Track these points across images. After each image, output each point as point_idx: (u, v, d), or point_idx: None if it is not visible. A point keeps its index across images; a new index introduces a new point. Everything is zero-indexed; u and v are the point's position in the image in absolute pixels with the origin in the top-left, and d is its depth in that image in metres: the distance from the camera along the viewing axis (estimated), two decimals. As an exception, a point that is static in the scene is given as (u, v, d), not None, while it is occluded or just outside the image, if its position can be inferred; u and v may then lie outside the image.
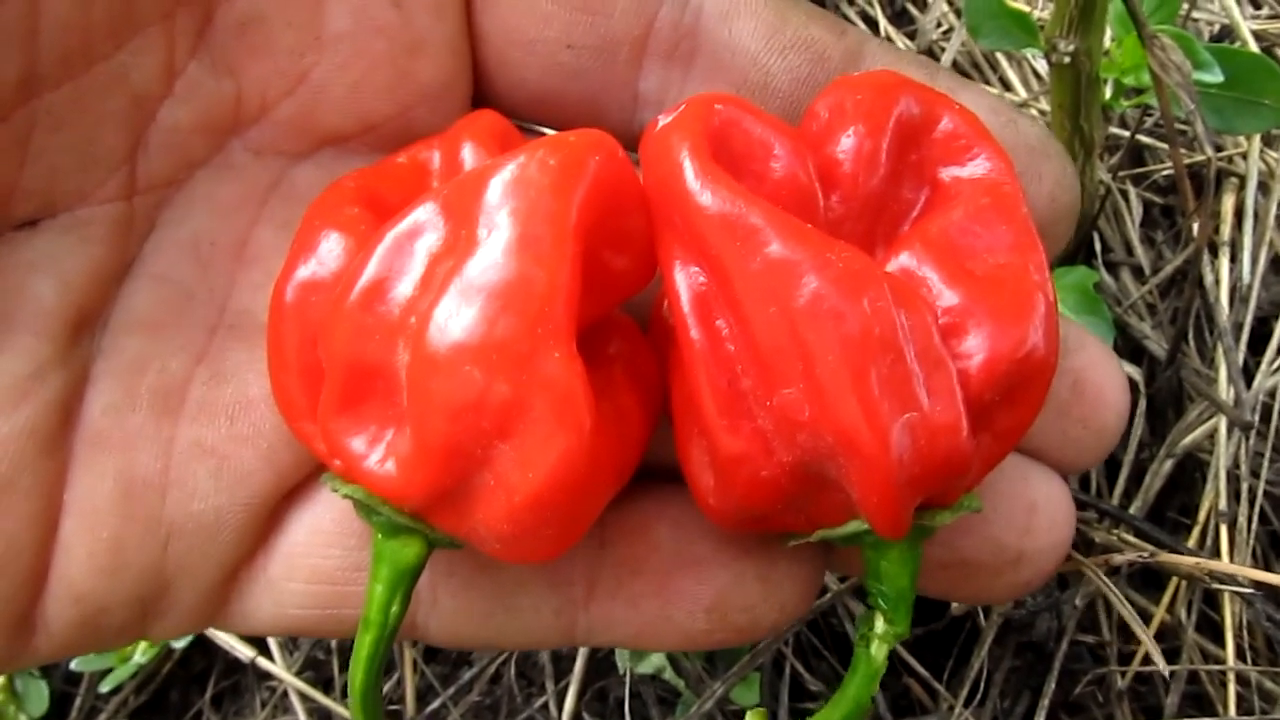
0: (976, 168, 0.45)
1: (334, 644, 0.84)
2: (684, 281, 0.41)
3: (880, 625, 0.46)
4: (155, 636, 0.48)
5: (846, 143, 0.44)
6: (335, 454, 0.41)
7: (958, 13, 0.95)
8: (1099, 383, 0.52)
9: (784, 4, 0.50)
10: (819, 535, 0.45)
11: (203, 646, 0.86)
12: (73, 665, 0.83)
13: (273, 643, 0.84)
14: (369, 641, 0.43)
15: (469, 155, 0.44)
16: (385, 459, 0.40)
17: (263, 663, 0.83)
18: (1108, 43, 0.68)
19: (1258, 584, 0.67)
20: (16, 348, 0.44)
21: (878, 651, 0.45)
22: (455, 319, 0.36)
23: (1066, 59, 0.61)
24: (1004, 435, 0.44)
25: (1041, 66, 0.92)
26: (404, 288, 0.39)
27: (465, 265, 0.37)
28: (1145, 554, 0.66)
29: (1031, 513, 0.51)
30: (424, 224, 0.39)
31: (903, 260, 0.44)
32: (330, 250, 0.42)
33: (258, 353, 0.47)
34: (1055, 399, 0.50)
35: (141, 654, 0.82)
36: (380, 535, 0.43)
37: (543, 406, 0.37)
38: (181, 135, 0.48)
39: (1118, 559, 0.67)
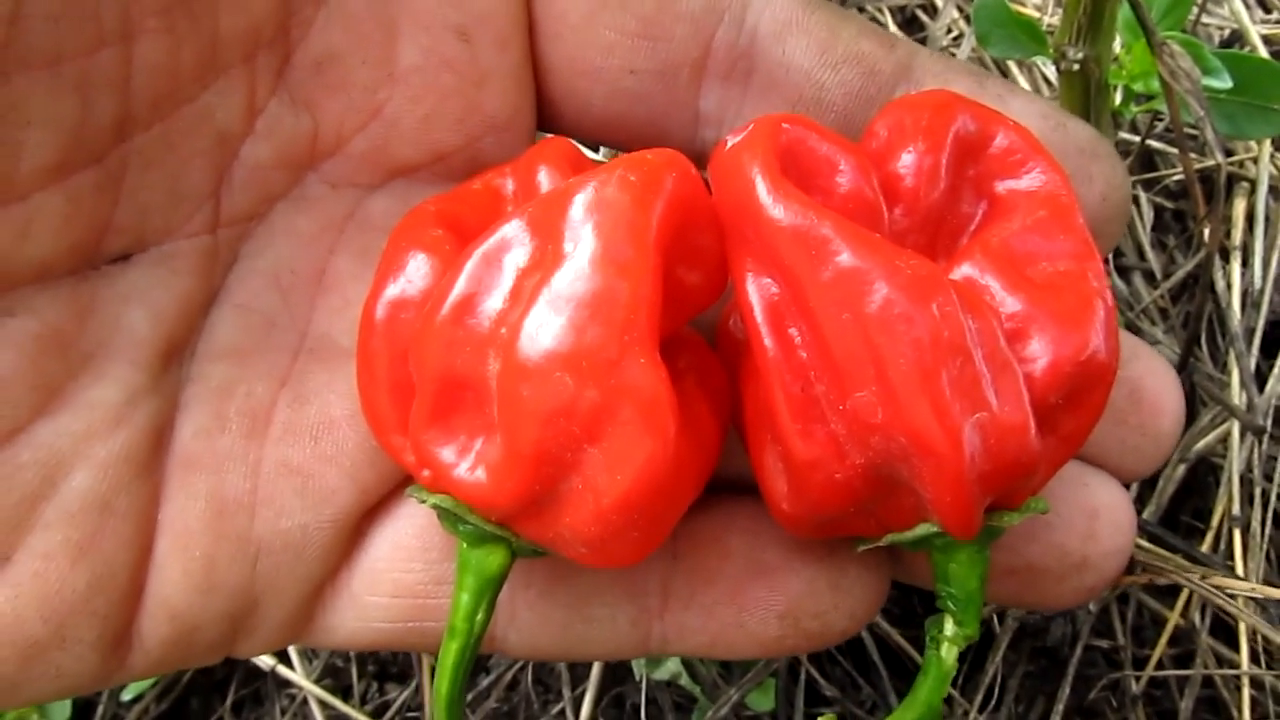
0: (1032, 180, 0.46)
1: (353, 652, 0.84)
2: (757, 292, 0.43)
3: (950, 628, 0.46)
4: (243, 653, 0.50)
5: (907, 159, 0.45)
6: (425, 464, 0.42)
7: (967, 19, 0.96)
8: (1156, 390, 0.53)
9: (835, 20, 0.52)
10: (889, 539, 0.46)
11: (223, 654, 0.88)
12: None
13: (292, 651, 0.85)
14: (455, 650, 0.44)
15: (544, 179, 0.46)
16: (475, 466, 0.41)
17: (282, 670, 0.84)
18: (1117, 49, 0.69)
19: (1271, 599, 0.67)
20: (112, 376, 0.46)
21: (948, 654, 0.46)
22: (545, 328, 0.38)
23: (1075, 66, 0.61)
24: (1068, 438, 0.45)
25: (1051, 72, 0.93)
26: (493, 301, 0.41)
27: (553, 278, 0.39)
28: (1155, 574, 0.67)
29: (1094, 518, 0.52)
30: (511, 240, 0.41)
31: (965, 270, 0.45)
32: (417, 269, 0.44)
33: (338, 375, 0.49)
34: (1113, 407, 0.51)
35: (163, 663, 0.83)
36: (465, 544, 0.44)
37: (630, 411, 0.38)
38: (262, 171, 0.50)
39: (1127, 580, 0.68)
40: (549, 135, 0.53)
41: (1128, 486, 0.54)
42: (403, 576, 0.49)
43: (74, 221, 0.44)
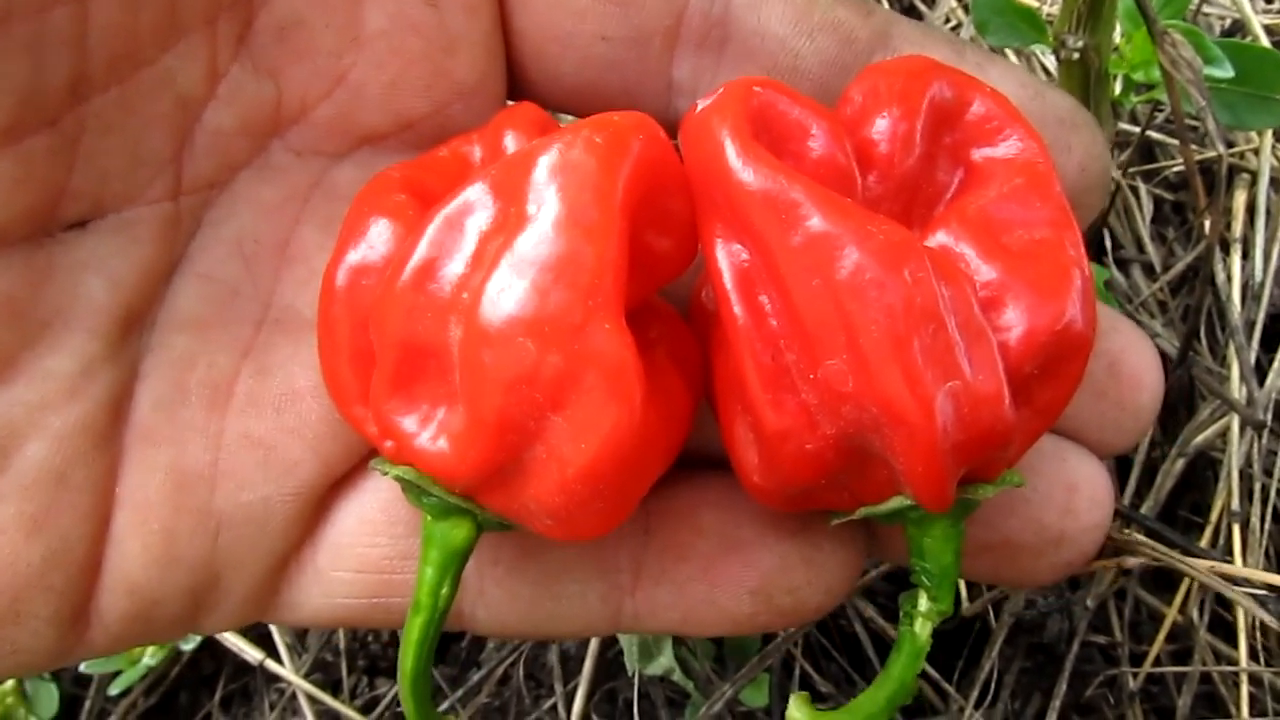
0: (1009, 148, 0.46)
1: (342, 646, 0.84)
2: (726, 259, 0.42)
3: (924, 603, 0.46)
4: (206, 629, 0.49)
5: (882, 124, 0.45)
6: (387, 434, 0.42)
7: (966, 8, 0.95)
8: (1134, 364, 0.52)
9: None
10: (862, 512, 0.45)
11: (211, 649, 0.87)
12: (82, 668, 0.83)
13: (281, 645, 0.84)
14: (419, 625, 0.44)
15: (511, 144, 0.45)
16: (437, 436, 0.40)
17: (271, 665, 0.83)
18: (1117, 38, 0.68)
19: (1270, 586, 0.67)
20: (69, 346, 0.45)
21: (921, 629, 0.46)
22: (507, 293, 0.37)
23: (1075, 55, 0.61)
24: (1044, 409, 0.44)
25: (1051, 62, 0.92)
26: (455, 266, 0.40)
27: (516, 241, 0.38)
28: (1155, 558, 0.66)
29: (1072, 493, 0.51)
30: (473, 203, 0.40)
31: (940, 238, 0.44)
32: (379, 235, 0.43)
33: (302, 347, 0.48)
34: (1092, 381, 0.51)
35: (150, 656, 0.82)
36: (430, 517, 0.43)
37: (595, 377, 0.37)
38: (225, 137, 0.49)
39: (1130, 561, 0.67)
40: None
41: (1106, 461, 0.53)
42: (368, 551, 0.48)
43: (27, 186, 0.43)
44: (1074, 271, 0.43)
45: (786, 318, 0.41)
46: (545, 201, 0.38)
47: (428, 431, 0.41)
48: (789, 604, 0.49)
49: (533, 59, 0.52)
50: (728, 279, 0.42)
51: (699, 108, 0.42)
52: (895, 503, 0.44)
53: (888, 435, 0.40)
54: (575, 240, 0.37)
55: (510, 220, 0.39)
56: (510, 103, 0.53)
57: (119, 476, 0.46)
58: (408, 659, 0.44)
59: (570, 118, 0.53)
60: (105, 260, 0.46)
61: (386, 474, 0.43)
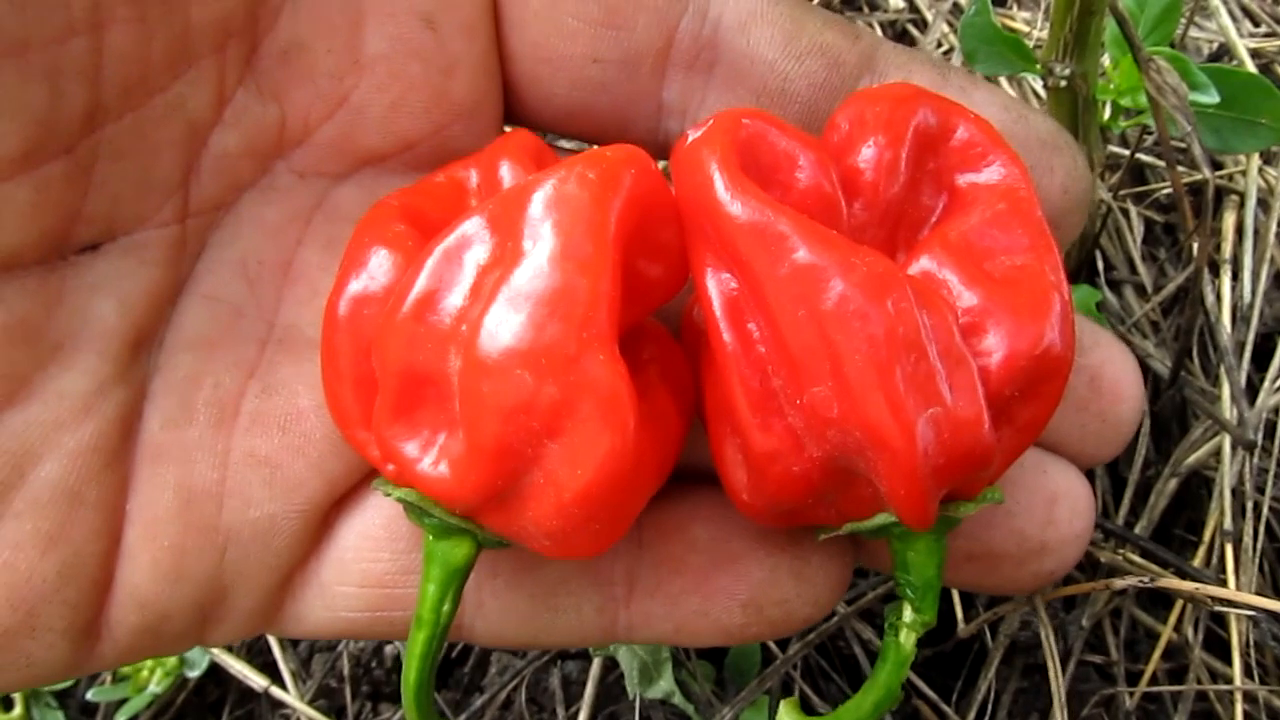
0: (992, 174, 0.47)
1: (346, 672, 0.85)
2: (716, 287, 0.44)
3: (908, 614, 0.47)
4: (213, 641, 0.50)
5: (867, 153, 0.46)
6: (389, 459, 0.43)
7: (957, 33, 0.96)
8: (1115, 378, 0.53)
9: (799, 11, 0.52)
10: (848, 528, 0.47)
11: (217, 675, 0.88)
12: (89, 695, 0.84)
13: (285, 671, 0.85)
14: (422, 639, 0.45)
15: (507, 173, 0.46)
16: (438, 461, 0.42)
17: (276, 691, 0.84)
18: (1106, 62, 0.69)
19: (1263, 609, 0.68)
20: (81, 366, 0.46)
21: (906, 640, 0.47)
22: (505, 326, 0.39)
23: (1063, 82, 0.62)
24: (1024, 429, 0.45)
25: (1041, 85, 0.93)
26: (454, 298, 0.41)
27: (512, 275, 0.39)
28: (1147, 578, 0.67)
29: (1052, 504, 0.52)
30: (471, 237, 0.42)
31: (923, 263, 0.46)
32: (380, 265, 0.44)
33: (306, 365, 0.50)
34: (1073, 394, 0.52)
35: (157, 683, 0.83)
36: (431, 537, 0.45)
37: (589, 407, 0.39)
38: (230, 160, 0.50)
39: (1119, 583, 0.68)
40: (513, 127, 0.53)
41: (1088, 473, 0.55)
42: (371, 566, 0.50)
43: (42, 211, 0.44)
44: (1053, 296, 0.44)
45: (774, 345, 0.42)
46: (540, 236, 0.39)
47: (429, 456, 0.42)
48: (779, 615, 0.51)
49: (526, 80, 0.53)
50: (717, 307, 0.43)
51: (689, 139, 0.44)
52: (880, 519, 0.45)
53: (871, 459, 0.41)
54: (569, 274, 0.39)
55: (507, 254, 0.40)
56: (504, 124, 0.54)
57: (129, 494, 0.47)
58: (411, 672, 0.45)
59: (568, 146, 0.54)
60: (116, 282, 0.47)
61: (389, 495, 0.44)
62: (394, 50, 0.51)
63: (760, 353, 0.43)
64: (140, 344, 0.48)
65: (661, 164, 0.47)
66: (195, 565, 0.47)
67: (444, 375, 0.41)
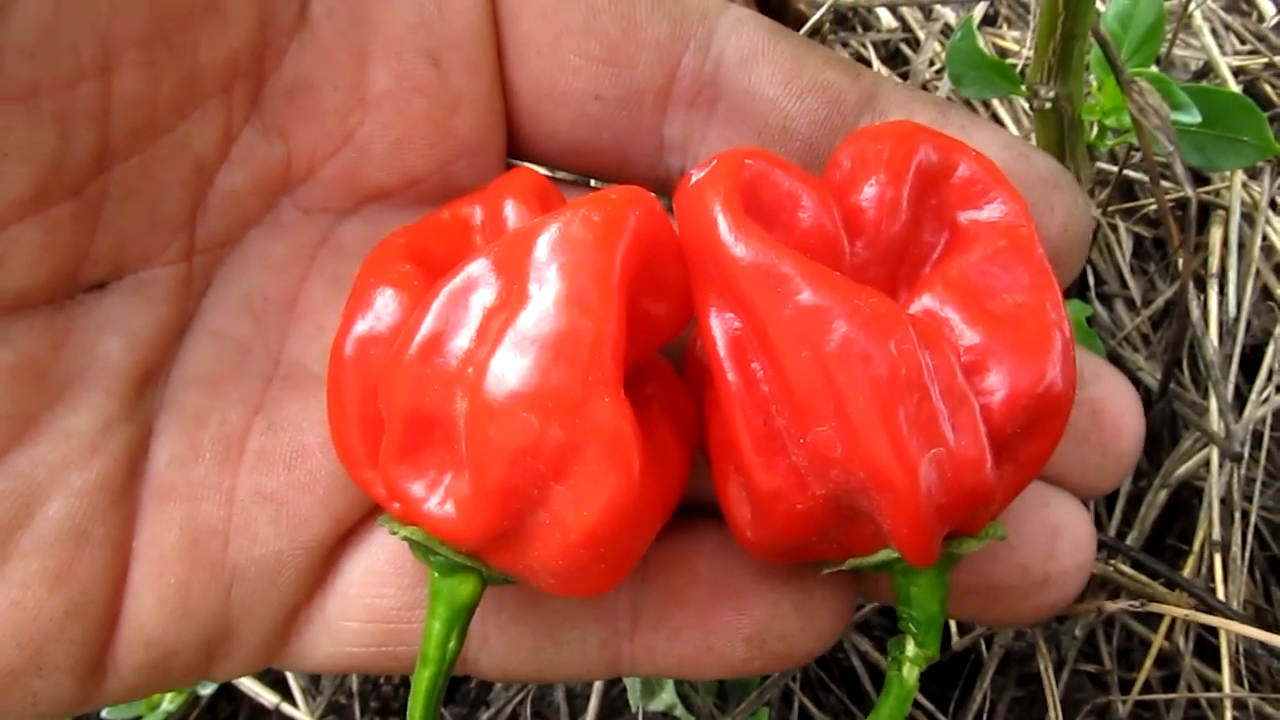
0: (993, 211, 0.47)
1: (355, 689, 0.85)
2: (720, 327, 0.44)
3: (911, 648, 0.48)
4: (219, 676, 0.50)
5: (869, 191, 0.46)
6: (395, 498, 0.43)
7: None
8: (1117, 411, 0.54)
9: (800, 49, 0.52)
10: (851, 564, 0.47)
11: (228, 693, 0.88)
12: (104, 714, 0.84)
13: (296, 688, 0.85)
14: (427, 677, 0.45)
15: (511, 212, 0.47)
16: (444, 501, 0.42)
17: (286, 708, 0.84)
18: (1092, 81, 0.69)
19: (1254, 609, 0.68)
20: (87, 405, 0.46)
21: (909, 674, 0.48)
22: (511, 369, 0.39)
23: (1048, 105, 0.62)
24: (1026, 465, 0.46)
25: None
26: (460, 340, 0.41)
27: (518, 318, 0.39)
28: (1138, 603, 0.68)
29: (1054, 537, 0.53)
30: (477, 279, 0.42)
31: (925, 301, 0.46)
32: (386, 306, 0.44)
33: (311, 402, 0.50)
34: (1075, 427, 0.52)
35: (169, 702, 0.83)
36: (437, 574, 0.45)
37: (595, 449, 0.39)
38: (236, 197, 0.50)
39: (1110, 607, 0.69)
40: (516, 163, 0.54)
41: (1089, 504, 0.55)
42: (376, 602, 0.50)
43: (51, 252, 0.44)
44: (1054, 334, 0.45)
45: (777, 385, 0.43)
46: (546, 280, 0.40)
47: (435, 496, 0.42)
48: (782, 649, 0.51)
49: (528, 116, 0.54)
50: (721, 346, 0.44)
51: (692, 179, 0.44)
52: (883, 555, 0.45)
53: (875, 498, 0.42)
54: (575, 317, 0.39)
55: (513, 297, 0.40)
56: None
57: (136, 532, 0.47)
58: (417, 709, 0.46)
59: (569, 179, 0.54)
60: (122, 320, 0.48)
61: (395, 533, 0.44)
62: (399, 87, 0.51)
63: (764, 392, 0.43)
64: (147, 381, 0.48)
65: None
66: (201, 602, 0.47)
67: (450, 417, 0.41)
